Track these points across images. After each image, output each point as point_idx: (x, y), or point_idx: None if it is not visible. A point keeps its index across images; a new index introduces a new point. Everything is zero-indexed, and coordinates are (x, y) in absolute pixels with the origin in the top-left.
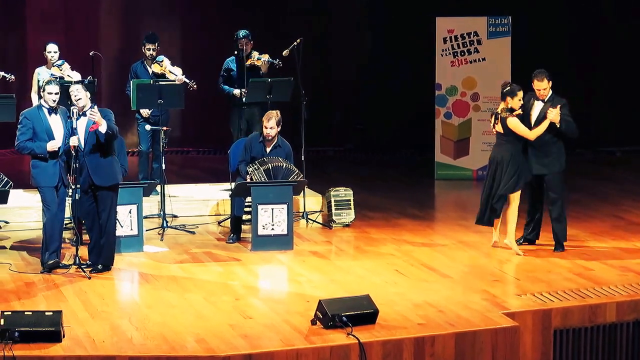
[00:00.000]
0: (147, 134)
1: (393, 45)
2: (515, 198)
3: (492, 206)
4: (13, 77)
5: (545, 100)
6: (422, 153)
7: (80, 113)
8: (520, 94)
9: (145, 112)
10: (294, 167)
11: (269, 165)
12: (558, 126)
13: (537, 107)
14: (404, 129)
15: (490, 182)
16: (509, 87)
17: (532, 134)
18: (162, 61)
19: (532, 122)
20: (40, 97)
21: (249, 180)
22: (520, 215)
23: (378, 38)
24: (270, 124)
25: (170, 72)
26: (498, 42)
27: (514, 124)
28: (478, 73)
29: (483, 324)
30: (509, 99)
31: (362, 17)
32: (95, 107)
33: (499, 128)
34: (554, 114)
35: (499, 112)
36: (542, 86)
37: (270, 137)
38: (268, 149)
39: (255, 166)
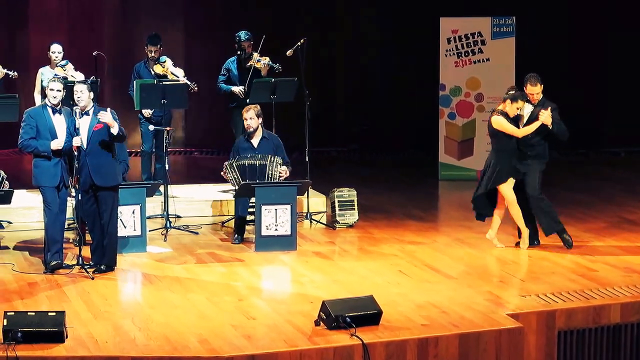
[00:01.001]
0: (149, 134)
1: (397, 45)
2: (506, 193)
3: (473, 208)
4: (16, 74)
5: (536, 104)
6: (426, 153)
7: (83, 112)
8: (521, 103)
9: (147, 112)
10: (269, 158)
11: (245, 162)
12: (550, 128)
13: (527, 109)
14: (407, 130)
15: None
16: (512, 92)
17: (520, 132)
18: (164, 62)
19: (522, 124)
20: (43, 96)
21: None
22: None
23: (382, 38)
24: (249, 114)
25: (172, 73)
26: (502, 42)
27: (499, 122)
28: (482, 73)
29: (487, 325)
30: (508, 102)
31: (366, 17)
32: (108, 109)
33: None
34: (546, 116)
35: (494, 110)
36: (536, 90)
37: (251, 129)
38: (255, 144)
39: (238, 160)
